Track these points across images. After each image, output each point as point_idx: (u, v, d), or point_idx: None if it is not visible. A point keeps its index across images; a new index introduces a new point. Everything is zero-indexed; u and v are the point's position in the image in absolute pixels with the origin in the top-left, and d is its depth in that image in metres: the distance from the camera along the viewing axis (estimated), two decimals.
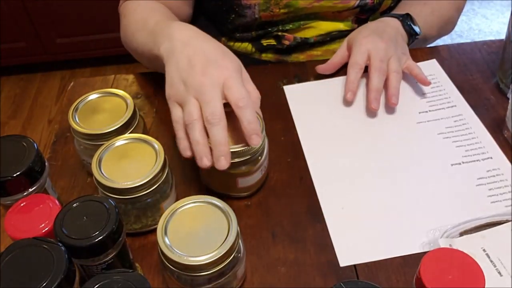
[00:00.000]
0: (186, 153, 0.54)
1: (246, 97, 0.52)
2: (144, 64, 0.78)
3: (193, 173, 0.63)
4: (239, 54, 0.78)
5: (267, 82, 0.75)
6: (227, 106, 0.52)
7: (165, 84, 0.56)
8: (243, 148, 0.54)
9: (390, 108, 0.69)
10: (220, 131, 0.51)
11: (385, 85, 0.69)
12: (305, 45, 0.83)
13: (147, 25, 0.66)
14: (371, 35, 0.71)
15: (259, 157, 0.57)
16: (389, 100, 0.68)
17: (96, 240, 0.42)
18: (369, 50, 0.70)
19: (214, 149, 0.51)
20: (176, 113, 0.54)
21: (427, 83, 0.71)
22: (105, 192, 0.52)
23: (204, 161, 0.52)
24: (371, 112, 0.69)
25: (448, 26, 0.85)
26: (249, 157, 0.55)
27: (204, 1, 0.82)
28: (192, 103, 0.52)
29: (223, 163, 0.51)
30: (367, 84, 0.70)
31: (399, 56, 0.71)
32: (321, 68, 0.75)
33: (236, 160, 0.54)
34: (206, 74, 0.53)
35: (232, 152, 0.53)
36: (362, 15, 0.82)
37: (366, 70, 0.71)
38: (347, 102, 0.71)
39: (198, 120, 0.52)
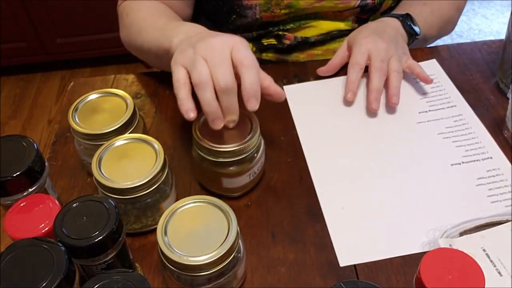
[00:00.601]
0: (190, 114, 0.51)
1: (254, 59, 0.51)
2: (147, 61, 0.78)
3: (193, 173, 0.63)
4: None
5: None
6: None
7: (173, 55, 0.54)
8: (233, 149, 0.53)
9: (390, 108, 0.69)
10: (233, 99, 0.50)
11: (386, 85, 0.69)
12: (305, 44, 0.83)
13: (155, 23, 0.67)
14: (371, 35, 0.71)
15: (249, 161, 0.56)
16: (390, 100, 0.68)
17: (96, 240, 0.42)
18: (370, 50, 0.70)
19: (244, 91, 0.50)
20: (178, 72, 0.52)
21: (429, 81, 0.70)
22: (105, 192, 0.52)
23: (218, 123, 0.51)
24: (371, 112, 0.69)
25: (448, 26, 0.85)
26: (237, 158, 0.54)
27: (204, 1, 0.82)
28: (202, 63, 0.50)
29: (253, 104, 0.51)
30: (368, 84, 0.70)
31: (400, 56, 0.71)
32: (322, 71, 0.75)
33: (224, 160, 0.54)
34: (216, 37, 0.52)
35: (221, 151, 0.53)
36: (363, 15, 0.82)
37: (366, 70, 0.71)
38: (347, 102, 0.71)
39: (210, 81, 0.50)
